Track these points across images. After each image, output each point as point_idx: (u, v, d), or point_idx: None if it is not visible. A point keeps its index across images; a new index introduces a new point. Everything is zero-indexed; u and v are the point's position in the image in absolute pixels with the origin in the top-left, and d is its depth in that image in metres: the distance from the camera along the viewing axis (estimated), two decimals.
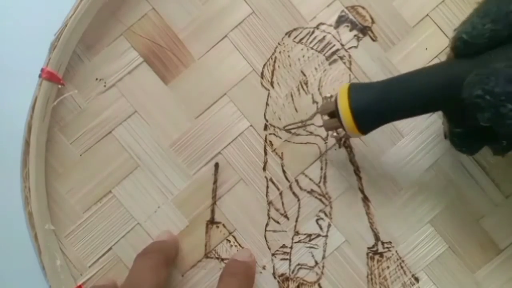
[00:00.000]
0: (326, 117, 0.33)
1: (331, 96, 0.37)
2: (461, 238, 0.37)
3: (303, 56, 0.37)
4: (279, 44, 0.37)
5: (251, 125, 0.38)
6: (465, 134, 0.29)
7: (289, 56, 0.37)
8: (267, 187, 0.38)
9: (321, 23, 0.37)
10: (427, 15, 0.37)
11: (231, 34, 0.38)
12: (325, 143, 0.37)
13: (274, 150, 0.38)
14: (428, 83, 0.28)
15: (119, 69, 0.37)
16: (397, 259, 0.37)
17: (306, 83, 0.37)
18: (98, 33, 0.37)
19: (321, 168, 0.37)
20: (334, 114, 0.31)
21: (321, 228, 0.37)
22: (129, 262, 0.37)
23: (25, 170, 0.35)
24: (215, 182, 0.38)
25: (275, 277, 0.37)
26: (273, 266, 0.37)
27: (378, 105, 0.29)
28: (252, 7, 0.37)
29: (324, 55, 0.37)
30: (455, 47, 0.28)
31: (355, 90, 0.30)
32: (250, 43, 0.37)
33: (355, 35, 0.37)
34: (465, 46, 0.27)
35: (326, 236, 0.37)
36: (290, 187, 0.38)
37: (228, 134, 0.38)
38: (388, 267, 0.37)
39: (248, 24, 0.37)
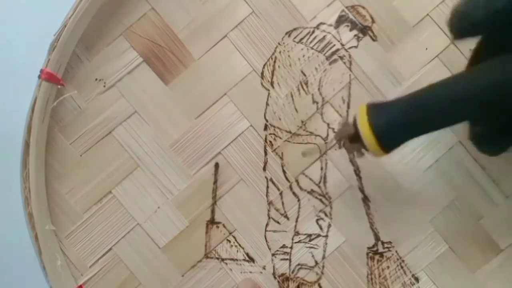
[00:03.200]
0: (341, 140, 0.32)
1: (347, 120, 0.35)
2: (461, 238, 0.37)
3: (303, 56, 0.37)
4: (279, 44, 0.37)
5: (251, 125, 0.37)
6: (491, 134, 0.29)
7: (289, 56, 0.37)
8: (267, 187, 0.38)
9: (321, 23, 0.37)
10: (427, 15, 0.37)
11: (231, 34, 0.37)
12: (325, 143, 0.37)
13: (274, 150, 0.38)
14: (470, 86, 0.27)
15: (119, 69, 0.37)
16: (397, 259, 0.37)
17: (306, 83, 0.37)
18: (98, 33, 0.37)
19: (321, 168, 0.37)
20: (354, 137, 0.30)
21: (321, 228, 0.37)
22: (129, 263, 0.37)
23: (25, 171, 0.35)
24: (215, 182, 0.38)
25: (275, 277, 0.37)
26: (273, 266, 0.37)
27: (401, 121, 0.28)
28: (252, 7, 0.37)
29: (324, 55, 0.37)
30: (452, 25, 0.27)
31: (373, 109, 0.29)
32: (250, 43, 0.37)
33: (355, 35, 0.37)
34: (462, 20, 0.26)
35: (326, 236, 0.37)
36: (290, 187, 0.38)
37: (228, 134, 0.38)
38: (388, 267, 0.37)
39: (248, 24, 0.37)
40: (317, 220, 0.37)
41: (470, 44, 0.35)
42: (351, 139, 0.31)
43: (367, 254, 0.37)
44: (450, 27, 0.27)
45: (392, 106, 0.29)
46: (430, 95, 0.28)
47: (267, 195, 0.38)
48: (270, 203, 0.38)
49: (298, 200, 0.37)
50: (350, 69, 0.37)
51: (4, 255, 0.39)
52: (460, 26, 0.26)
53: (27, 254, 0.36)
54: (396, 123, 0.28)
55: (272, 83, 0.38)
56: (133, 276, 0.37)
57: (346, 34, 0.37)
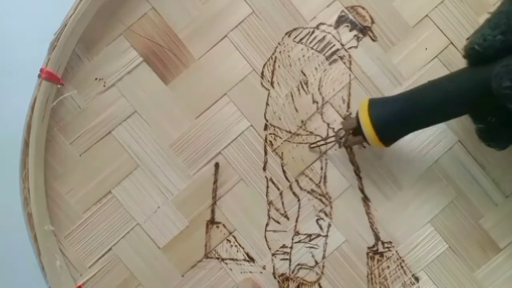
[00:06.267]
0: (343, 132, 0.35)
1: (350, 114, 0.37)
2: (461, 237, 0.37)
3: (303, 56, 0.37)
4: (279, 44, 0.37)
5: (251, 125, 0.37)
6: (494, 130, 0.30)
7: (289, 56, 0.37)
8: (267, 187, 0.38)
9: (321, 23, 0.37)
10: (427, 15, 0.37)
11: (231, 34, 0.37)
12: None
13: (274, 150, 0.38)
14: (455, 87, 0.29)
15: (119, 69, 0.37)
16: (397, 259, 0.37)
17: (306, 83, 0.37)
18: (98, 32, 0.37)
19: (321, 168, 0.37)
20: (357, 130, 0.33)
21: (321, 228, 0.37)
22: (129, 263, 0.37)
23: (25, 170, 0.35)
24: (215, 182, 0.38)
25: (275, 277, 0.37)
26: (273, 266, 0.37)
27: (399, 116, 0.31)
28: (252, 7, 0.37)
29: (324, 55, 0.37)
30: (468, 56, 0.29)
31: (374, 105, 0.32)
32: (250, 43, 0.37)
33: (355, 35, 0.37)
34: (477, 56, 0.28)
35: (326, 236, 0.37)
36: (290, 187, 0.38)
37: (228, 134, 0.38)
38: (388, 267, 0.37)
39: (248, 24, 0.37)
40: (317, 220, 0.37)
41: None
42: (354, 132, 0.33)
43: (367, 254, 0.37)
44: (466, 57, 0.30)
45: (392, 101, 0.31)
46: (426, 92, 0.30)
47: (267, 195, 0.38)
48: (270, 203, 0.38)
49: (298, 200, 0.37)
50: (350, 69, 0.37)
51: (3, 256, 0.39)
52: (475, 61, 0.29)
53: (26, 255, 0.36)
54: (395, 117, 0.31)
55: (272, 83, 0.38)
56: (133, 276, 0.37)
57: (346, 34, 0.37)
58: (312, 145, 0.37)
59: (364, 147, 0.36)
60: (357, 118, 0.32)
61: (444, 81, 0.30)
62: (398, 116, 0.31)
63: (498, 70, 0.26)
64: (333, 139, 0.37)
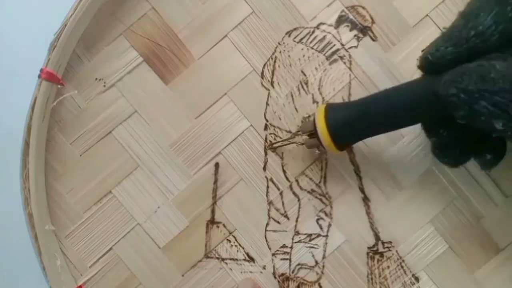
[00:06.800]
0: (306, 137, 0.35)
1: (309, 116, 0.37)
2: (461, 237, 0.37)
3: (303, 56, 0.37)
4: (279, 44, 0.37)
5: (251, 125, 0.37)
6: (447, 146, 0.31)
7: (289, 56, 0.37)
8: (268, 187, 0.38)
9: (321, 23, 0.37)
10: (427, 15, 0.37)
11: (231, 34, 0.37)
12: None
13: (275, 150, 0.38)
14: (406, 96, 0.30)
15: (119, 69, 0.37)
16: (398, 259, 0.37)
17: (306, 83, 0.37)
18: (98, 33, 0.37)
19: (321, 168, 0.37)
20: (312, 134, 0.34)
21: (321, 228, 0.37)
22: (129, 262, 0.37)
23: (25, 170, 0.35)
24: (215, 182, 0.38)
25: (275, 277, 0.37)
26: (274, 266, 0.37)
27: (354, 122, 0.31)
28: (252, 7, 0.37)
29: (324, 55, 0.37)
30: (421, 66, 0.30)
31: (331, 109, 0.32)
32: (250, 43, 0.37)
33: (355, 35, 0.37)
34: (430, 66, 0.29)
35: (327, 236, 0.37)
36: (290, 187, 0.38)
37: (228, 134, 0.38)
38: (388, 267, 0.37)
39: (248, 24, 0.37)
40: (317, 220, 0.37)
41: None
42: (310, 135, 0.34)
43: (367, 253, 0.37)
44: (421, 67, 0.30)
45: (347, 107, 0.33)
46: (378, 100, 0.31)
47: (267, 195, 0.38)
48: (270, 203, 0.38)
49: (298, 200, 0.37)
50: (350, 69, 0.37)
51: (4, 255, 0.39)
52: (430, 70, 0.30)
53: (27, 254, 0.36)
54: (348, 123, 0.32)
55: (272, 83, 0.38)
56: (133, 276, 0.37)
57: (346, 34, 0.37)
58: (273, 146, 0.37)
59: (319, 151, 0.36)
60: (314, 121, 0.33)
61: (395, 90, 0.31)
62: (350, 122, 0.32)
63: (446, 77, 0.27)
64: (293, 140, 0.37)
